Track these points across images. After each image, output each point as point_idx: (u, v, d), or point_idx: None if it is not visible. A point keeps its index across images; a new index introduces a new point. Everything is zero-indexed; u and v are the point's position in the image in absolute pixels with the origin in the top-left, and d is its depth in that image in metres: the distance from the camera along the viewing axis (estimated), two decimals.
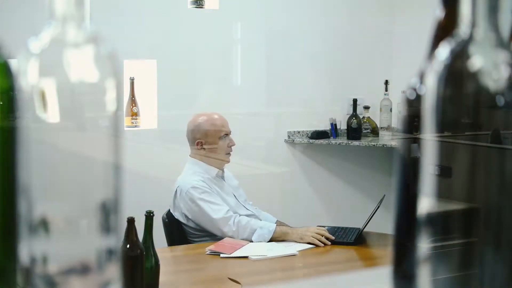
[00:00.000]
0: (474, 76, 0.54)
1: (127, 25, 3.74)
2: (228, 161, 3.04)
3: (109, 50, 0.57)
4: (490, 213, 0.55)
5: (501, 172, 0.55)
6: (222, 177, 3.03)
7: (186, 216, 2.89)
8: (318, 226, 2.97)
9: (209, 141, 2.98)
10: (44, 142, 0.56)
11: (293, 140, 4.34)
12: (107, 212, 0.56)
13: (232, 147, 3.03)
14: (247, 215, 2.92)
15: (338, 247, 2.76)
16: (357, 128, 4.35)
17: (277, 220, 3.09)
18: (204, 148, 2.98)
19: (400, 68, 4.41)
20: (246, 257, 2.58)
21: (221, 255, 2.59)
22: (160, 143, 3.97)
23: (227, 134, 3.01)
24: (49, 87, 0.55)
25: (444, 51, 0.55)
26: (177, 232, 2.94)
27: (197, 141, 2.98)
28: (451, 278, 0.55)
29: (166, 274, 2.22)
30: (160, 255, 2.01)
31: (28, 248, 0.55)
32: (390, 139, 4.34)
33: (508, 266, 0.55)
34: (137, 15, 3.81)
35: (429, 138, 0.55)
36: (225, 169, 3.08)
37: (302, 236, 2.78)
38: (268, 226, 2.81)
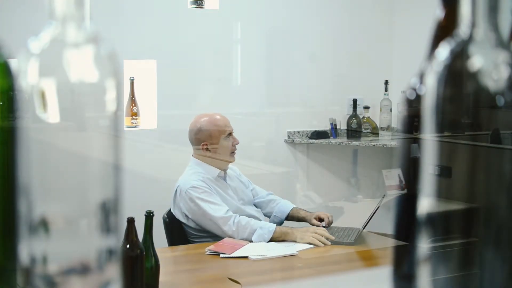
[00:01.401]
0: (474, 76, 0.54)
1: (127, 25, 3.74)
2: (233, 161, 3.05)
3: (109, 50, 0.57)
4: (490, 213, 0.55)
5: (501, 172, 0.55)
6: (224, 178, 3.03)
7: (186, 215, 2.89)
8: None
9: (213, 142, 2.98)
10: (44, 142, 0.56)
11: (293, 140, 4.34)
12: (107, 212, 0.56)
13: (236, 145, 3.04)
14: (248, 216, 2.92)
15: (338, 247, 2.76)
16: (357, 128, 4.35)
17: (294, 207, 3.12)
18: (209, 150, 2.98)
19: (400, 68, 4.41)
20: (246, 257, 2.58)
21: (221, 255, 2.59)
22: (160, 143, 3.97)
23: (230, 133, 3.02)
24: (49, 87, 0.55)
25: (444, 51, 0.55)
26: (178, 232, 2.94)
27: (202, 143, 2.98)
28: (451, 278, 0.55)
29: (166, 274, 2.22)
30: (160, 255, 2.01)
31: (28, 248, 0.55)
32: (390, 139, 4.34)
33: (508, 266, 0.55)
34: (137, 15, 3.81)
35: (429, 138, 0.55)
36: (230, 170, 3.08)
37: (302, 236, 2.78)
38: (268, 226, 2.81)
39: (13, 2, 3.44)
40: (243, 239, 2.77)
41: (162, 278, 2.01)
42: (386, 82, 4.49)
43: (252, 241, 2.76)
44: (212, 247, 2.66)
